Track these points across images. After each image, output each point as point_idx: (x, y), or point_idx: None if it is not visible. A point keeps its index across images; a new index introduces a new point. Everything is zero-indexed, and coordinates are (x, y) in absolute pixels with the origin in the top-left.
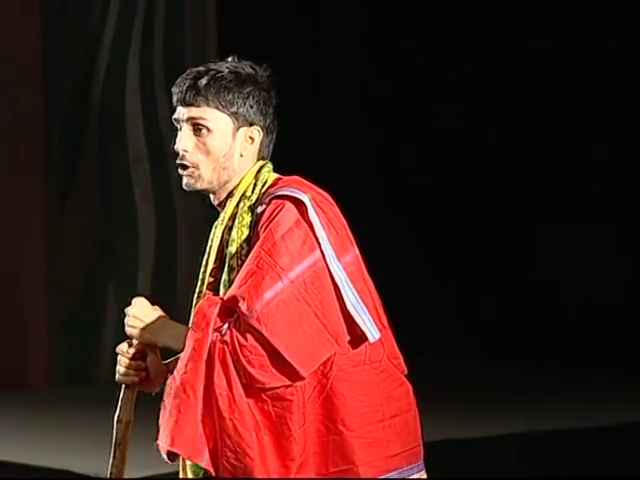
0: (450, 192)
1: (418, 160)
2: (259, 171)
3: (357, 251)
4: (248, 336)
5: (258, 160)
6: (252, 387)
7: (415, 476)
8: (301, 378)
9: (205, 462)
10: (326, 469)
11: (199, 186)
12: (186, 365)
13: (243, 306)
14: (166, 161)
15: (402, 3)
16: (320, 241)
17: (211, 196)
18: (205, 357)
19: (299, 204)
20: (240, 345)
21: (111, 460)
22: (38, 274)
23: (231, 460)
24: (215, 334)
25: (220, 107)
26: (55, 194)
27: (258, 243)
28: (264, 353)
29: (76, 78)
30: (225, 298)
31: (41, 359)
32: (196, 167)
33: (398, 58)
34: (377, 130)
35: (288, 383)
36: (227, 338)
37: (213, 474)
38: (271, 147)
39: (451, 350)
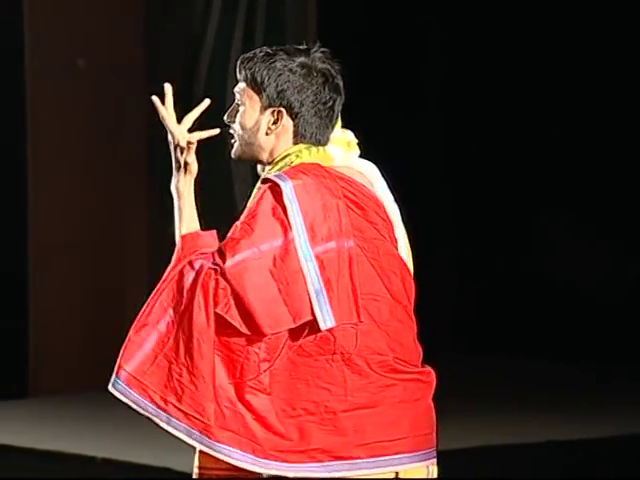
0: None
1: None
2: (291, 154)
3: (349, 243)
4: (223, 276)
5: (298, 143)
6: (220, 322)
7: (404, 467)
8: (257, 333)
9: (130, 368)
10: (281, 449)
11: (234, 155)
12: (164, 279)
13: (218, 258)
14: None
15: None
16: (292, 226)
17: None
18: (190, 275)
19: (278, 189)
20: (217, 276)
21: None
22: (140, 273)
23: (183, 380)
24: (207, 264)
25: (250, 83)
26: (157, 193)
27: (244, 213)
28: (231, 296)
29: (178, 79)
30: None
31: None
32: (235, 138)
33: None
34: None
35: (243, 329)
36: (214, 268)
37: None
38: (323, 135)
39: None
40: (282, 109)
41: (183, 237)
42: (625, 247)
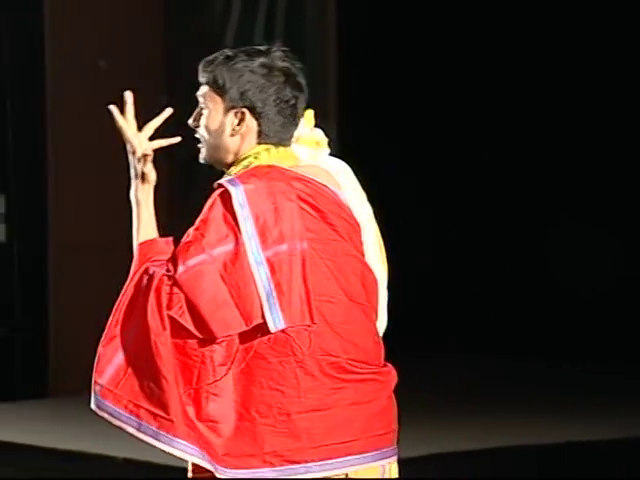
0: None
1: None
2: (250, 155)
3: (302, 245)
4: (175, 282)
5: (261, 144)
6: (174, 327)
7: (354, 468)
8: (209, 337)
9: (104, 380)
10: (236, 454)
11: (203, 160)
12: (125, 288)
13: (171, 265)
14: None
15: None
16: (243, 230)
17: None
18: (145, 282)
19: (227, 194)
20: (170, 281)
21: None
22: None
23: (150, 383)
24: (160, 270)
25: (212, 86)
26: (179, 194)
27: (193, 225)
28: (184, 301)
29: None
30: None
31: None
32: (202, 142)
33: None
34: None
35: (197, 333)
36: (167, 274)
37: None
38: (286, 134)
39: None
40: (245, 110)
41: (140, 245)
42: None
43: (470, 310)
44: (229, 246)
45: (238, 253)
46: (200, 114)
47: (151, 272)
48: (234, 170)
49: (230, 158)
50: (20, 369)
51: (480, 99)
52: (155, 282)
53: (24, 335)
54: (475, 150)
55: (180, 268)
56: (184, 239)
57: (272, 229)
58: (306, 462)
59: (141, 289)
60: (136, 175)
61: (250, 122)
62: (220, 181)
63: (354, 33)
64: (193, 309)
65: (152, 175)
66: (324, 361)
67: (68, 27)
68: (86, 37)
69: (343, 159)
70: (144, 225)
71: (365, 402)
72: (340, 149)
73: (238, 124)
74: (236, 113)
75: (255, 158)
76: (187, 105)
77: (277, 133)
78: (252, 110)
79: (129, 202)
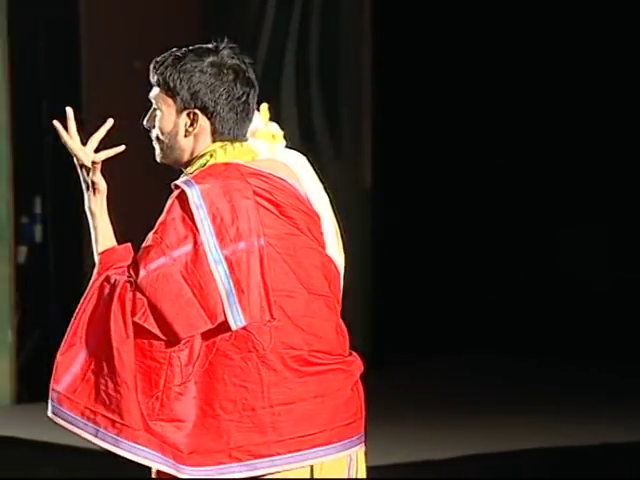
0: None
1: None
2: (205, 154)
3: (260, 242)
4: (138, 288)
5: (216, 141)
6: (139, 333)
7: (319, 460)
8: (174, 338)
9: (61, 387)
10: (202, 451)
11: (160, 161)
12: (84, 297)
13: (132, 271)
14: (319, 161)
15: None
16: (200, 230)
17: None
18: (107, 290)
19: (184, 194)
20: (133, 288)
21: None
22: None
23: (109, 390)
24: (122, 277)
25: (163, 87)
26: None
27: (153, 227)
28: (147, 306)
29: None
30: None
31: None
32: (156, 143)
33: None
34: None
35: (162, 336)
36: (129, 280)
37: None
38: (241, 130)
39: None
40: (197, 110)
41: (100, 254)
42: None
43: (486, 312)
44: (188, 247)
45: (198, 253)
46: (154, 115)
47: (113, 280)
48: (191, 169)
49: (186, 157)
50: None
51: (491, 105)
52: (118, 290)
53: (59, 336)
54: (487, 155)
55: (141, 272)
56: (144, 244)
57: (229, 228)
58: (272, 456)
59: (103, 297)
60: (87, 187)
61: (203, 122)
62: (176, 182)
63: (389, 32)
64: (156, 312)
65: (102, 185)
66: (286, 355)
67: (103, 27)
68: (121, 37)
69: (376, 156)
70: (101, 235)
71: (330, 393)
72: (375, 146)
73: (191, 125)
74: (188, 114)
75: (211, 156)
76: None
77: (231, 130)
78: (204, 110)
79: (161, 202)
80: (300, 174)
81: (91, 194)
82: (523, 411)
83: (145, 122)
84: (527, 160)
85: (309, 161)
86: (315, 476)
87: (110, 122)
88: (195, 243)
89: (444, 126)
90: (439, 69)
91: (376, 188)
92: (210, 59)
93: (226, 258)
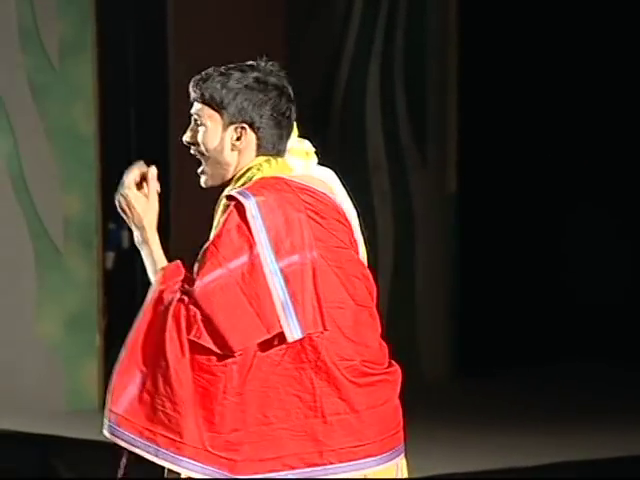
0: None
1: None
2: (252, 167)
3: (312, 255)
4: (193, 302)
5: (260, 155)
6: (195, 348)
7: (390, 463)
8: (230, 350)
9: (119, 409)
10: (255, 459)
11: (206, 184)
12: (143, 314)
13: (187, 285)
14: (405, 166)
15: None
16: (257, 242)
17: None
18: (161, 309)
19: (241, 207)
20: (187, 304)
21: None
22: None
23: (167, 410)
24: (176, 295)
25: (211, 103)
26: None
27: (210, 239)
28: (201, 321)
29: (319, 80)
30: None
31: None
32: (201, 159)
33: None
34: None
35: (217, 350)
36: (183, 297)
37: None
38: (283, 145)
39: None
40: (244, 124)
41: (157, 274)
42: None
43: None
44: (245, 258)
45: (254, 264)
46: (196, 131)
47: (167, 299)
48: (238, 183)
49: (231, 173)
50: None
51: (578, 109)
52: (172, 308)
53: None
54: (574, 160)
55: (197, 285)
56: (200, 256)
57: (284, 240)
58: (324, 465)
59: (158, 316)
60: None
61: (249, 136)
62: (232, 193)
63: (476, 34)
64: (212, 325)
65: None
66: (340, 365)
67: (191, 33)
68: (208, 43)
69: (462, 160)
70: (157, 259)
71: (379, 405)
72: (460, 150)
73: (238, 139)
74: (236, 129)
75: (258, 170)
76: (310, 109)
77: (274, 145)
78: (251, 125)
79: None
80: (335, 189)
81: (142, 232)
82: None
83: (187, 139)
84: (617, 164)
85: (337, 176)
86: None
87: (154, 170)
88: (251, 254)
89: (530, 130)
90: (525, 74)
91: (461, 193)
92: (254, 75)
93: (281, 270)
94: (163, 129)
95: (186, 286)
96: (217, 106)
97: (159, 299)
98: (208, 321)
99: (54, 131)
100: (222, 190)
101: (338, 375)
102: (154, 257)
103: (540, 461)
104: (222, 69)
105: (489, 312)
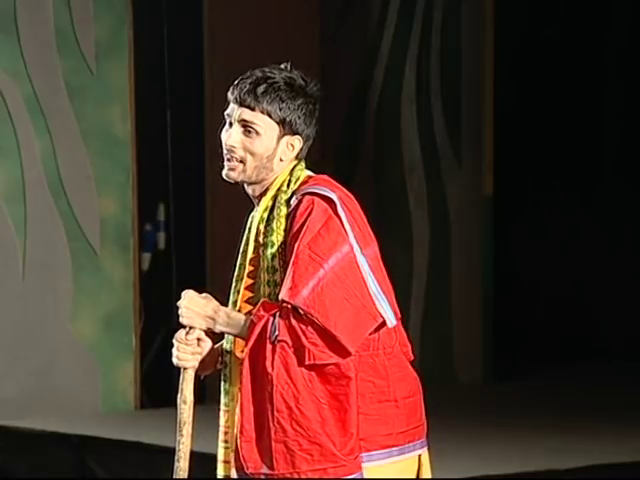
0: None
1: None
2: (293, 169)
3: (376, 246)
4: (304, 320)
5: (293, 160)
6: (314, 370)
7: (418, 452)
8: (348, 354)
9: (263, 469)
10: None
11: (238, 178)
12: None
13: (291, 295)
14: (440, 169)
15: None
16: (348, 235)
17: (246, 187)
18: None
19: (329, 201)
20: (302, 330)
21: (178, 438)
22: None
23: (305, 446)
24: (272, 345)
25: (271, 115)
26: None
27: (299, 239)
28: (316, 334)
29: (353, 82)
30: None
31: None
32: (241, 162)
33: None
34: None
35: (337, 360)
36: (285, 336)
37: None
38: (306, 149)
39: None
40: (299, 137)
41: (247, 322)
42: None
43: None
44: (339, 253)
45: (350, 257)
46: (241, 135)
47: (267, 350)
48: (292, 184)
49: (271, 178)
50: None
51: (614, 111)
52: (277, 356)
53: None
54: (608, 160)
55: (304, 293)
56: (293, 259)
57: (362, 232)
58: (390, 447)
59: (264, 362)
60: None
61: (298, 147)
62: (310, 190)
63: (512, 42)
64: (325, 333)
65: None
66: (405, 353)
67: (226, 38)
68: (243, 48)
69: (498, 163)
70: (235, 325)
71: (419, 392)
72: (497, 153)
73: (292, 150)
74: (290, 140)
75: (301, 170)
76: (342, 116)
77: (303, 151)
78: (303, 137)
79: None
80: None
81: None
82: None
83: (231, 141)
84: None
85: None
86: (421, 467)
87: (209, 343)
88: (346, 247)
89: (566, 132)
90: (561, 75)
91: (496, 195)
92: (311, 91)
93: (367, 261)
94: (198, 131)
95: (286, 298)
96: (279, 118)
97: (254, 349)
98: (322, 332)
99: (90, 133)
100: (244, 191)
101: (406, 361)
102: (234, 321)
103: (576, 463)
104: (283, 84)
105: (524, 314)
